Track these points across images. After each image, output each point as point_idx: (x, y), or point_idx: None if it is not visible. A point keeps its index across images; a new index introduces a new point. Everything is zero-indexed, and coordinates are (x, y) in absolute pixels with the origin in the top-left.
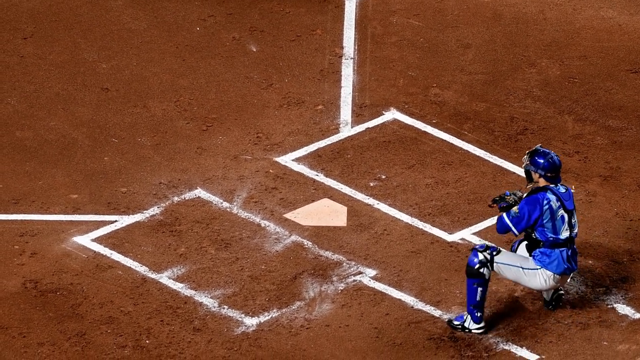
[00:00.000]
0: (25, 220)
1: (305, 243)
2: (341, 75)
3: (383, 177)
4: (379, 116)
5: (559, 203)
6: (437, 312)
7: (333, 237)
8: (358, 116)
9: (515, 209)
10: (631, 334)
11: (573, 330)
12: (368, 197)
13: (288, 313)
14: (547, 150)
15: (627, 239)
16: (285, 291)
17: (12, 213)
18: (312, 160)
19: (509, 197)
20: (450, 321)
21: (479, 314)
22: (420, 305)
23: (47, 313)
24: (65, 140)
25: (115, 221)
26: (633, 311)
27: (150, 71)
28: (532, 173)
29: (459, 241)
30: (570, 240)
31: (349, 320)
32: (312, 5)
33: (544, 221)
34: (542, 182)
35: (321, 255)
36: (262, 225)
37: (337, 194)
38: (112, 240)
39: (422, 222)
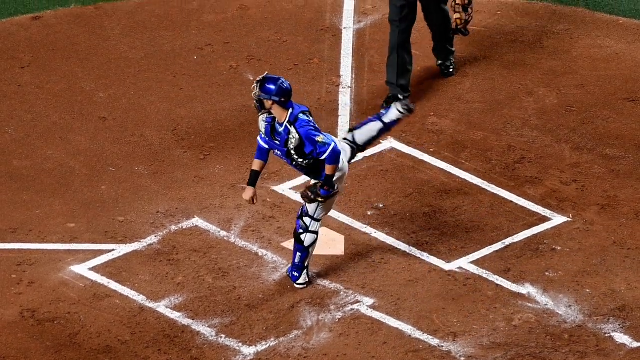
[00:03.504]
0: (22, 249)
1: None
2: (338, 104)
3: (380, 205)
4: (376, 145)
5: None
6: (434, 341)
7: (330, 265)
8: None
9: (319, 139)
10: None
11: (571, 359)
12: (365, 225)
13: (286, 342)
14: (277, 76)
15: (625, 268)
16: (283, 320)
17: (9, 242)
18: None
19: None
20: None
21: (296, 274)
22: (417, 334)
23: (44, 342)
24: (63, 170)
25: (113, 250)
26: (631, 340)
27: (148, 100)
28: (265, 101)
29: (457, 270)
30: None
31: (347, 349)
32: (309, 34)
33: None
34: (276, 109)
35: (319, 284)
36: (260, 254)
37: (335, 222)
38: (109, 269)
39: (419, 251)
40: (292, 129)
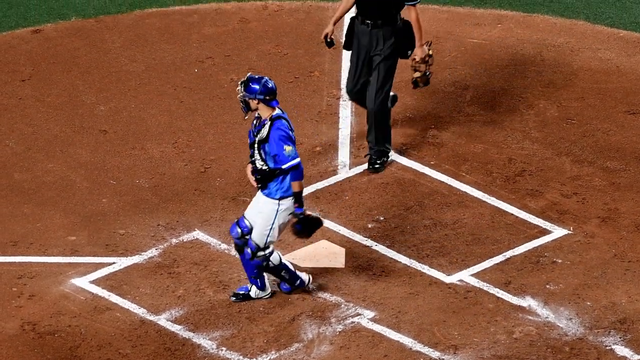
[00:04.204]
0: (23, 262)
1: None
2: (339, 117)
3: (381, 218)
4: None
5: (291, 127)
6: (435, 354)
7: (331, 278)
8: (356, 158)
9: (287, 148)
10: None
11: None
12: (366, 238)
13: (286, 355)
14: (260, 76)
15: (626, 281)
16: (284, 333)
17: (10, 255)
18: (310, 201)
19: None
20: (234, 294)
21: (260, 283)
22: (418, 346)
23: (45, 355)
24: (64, 182)
25: (114, 263)
26: (632, 352)
27: (148, 113)
28: (250, 101)
29: (457, 282)
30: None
31: None
32: (310, 47)
33: None
34: (262, 108)
35: (319, 297)
36: None
37: (335, 235)
38: (110, 282)
39: (420, 264)
40: (268, 124)
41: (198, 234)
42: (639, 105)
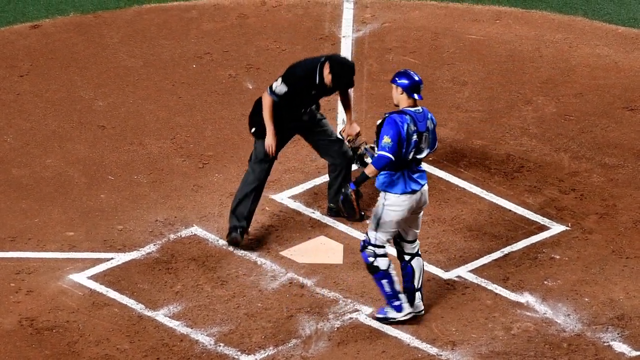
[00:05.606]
0: (21, 257)
1: (302, 281)
2: (337, 113)
3: None
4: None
5: (414, 127)
6: (433, 350)
7: (329, 274)
8: (354, 153)
9: (386, 139)
10: None
11: None
12: (364, 234)
13: (284, 351)
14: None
15: (624, 277)
16: (282, 329)
17: (8, 250)
18: (309, 197)
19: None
20: (376, 318)
21: (397, 303)
22: (416, 343)
23: (43, 351)
24: (62, 178)
25: (112, 259)
26: (630, 349)
27: (147, 108)
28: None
29: (455, 278)
30: (414, 160)
31: (345, 358)
32: (308, 43)
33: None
34: (402, 98)
35: (317, 293)
36: (259, 262)
37: (334, 231)
38: (108, 277)
39: None
40: (386, 115)
41: (196, 230)
42: (637, 102)
